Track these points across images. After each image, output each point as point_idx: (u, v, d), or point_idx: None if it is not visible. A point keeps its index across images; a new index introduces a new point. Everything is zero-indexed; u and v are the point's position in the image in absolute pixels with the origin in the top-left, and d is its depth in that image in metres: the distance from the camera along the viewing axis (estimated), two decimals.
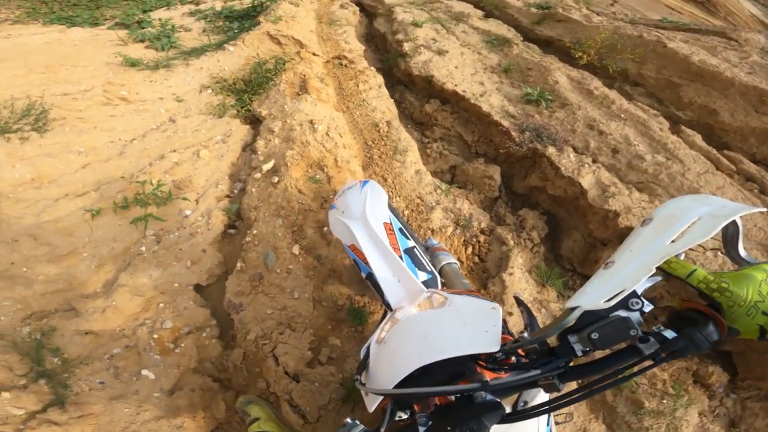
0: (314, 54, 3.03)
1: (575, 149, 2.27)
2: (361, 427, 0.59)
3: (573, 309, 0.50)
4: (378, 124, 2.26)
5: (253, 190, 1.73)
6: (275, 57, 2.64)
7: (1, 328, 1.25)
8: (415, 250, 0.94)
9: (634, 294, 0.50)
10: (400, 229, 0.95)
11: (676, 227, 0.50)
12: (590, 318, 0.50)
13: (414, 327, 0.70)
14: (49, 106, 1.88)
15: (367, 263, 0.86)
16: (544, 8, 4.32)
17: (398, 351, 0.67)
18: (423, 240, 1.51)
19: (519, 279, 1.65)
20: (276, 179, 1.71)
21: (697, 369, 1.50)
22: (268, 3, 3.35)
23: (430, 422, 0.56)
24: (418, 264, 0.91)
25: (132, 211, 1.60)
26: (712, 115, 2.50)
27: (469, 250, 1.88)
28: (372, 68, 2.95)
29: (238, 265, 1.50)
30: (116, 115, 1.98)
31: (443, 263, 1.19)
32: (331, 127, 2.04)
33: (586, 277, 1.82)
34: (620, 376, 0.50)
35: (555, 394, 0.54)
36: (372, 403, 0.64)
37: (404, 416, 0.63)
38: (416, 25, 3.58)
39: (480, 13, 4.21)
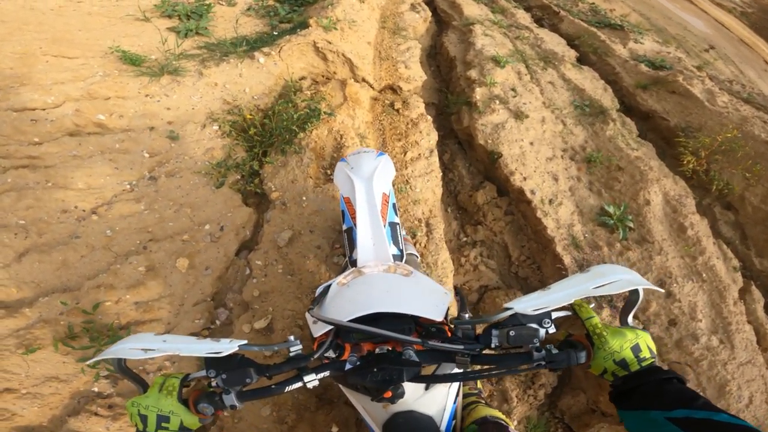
0: (364, 80, 2.42)
1: None
2: (300, 346, 0.67)
3: (507, 309, 0.65)
4: (416, 231, 1.74)
5: None
6: (311, 90, 2.05)
7: None
8: (397, 226, 1.03)
9: (549, 316, 0.65)
10: (394, 205, 1.04)
11: (601, 280, 0.66)
12: (513, 321, 0.65)
13: (379, 282, 0.79)
14: None
15: (354, 219, 0.94)
16: (656, 67, 3.47)
17: (361, 294, 0.75)
18: None
19: None
20: (268, 354, 1.28)
21: None
22: None
23: (358, 362, 0.67)
24: (394, 239, 0.99)
25: (79, 345, 1.23)
26: None
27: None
28: (427, 118, 2.35)
29: None
30: (81, 156, 1.48)
31: (407, 252, 1.22)
32: None
33: (570, 429, 1.75)
34: (510, 370, 0.66)
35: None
36: (317, 331, 0.71)
37: (333, 356, 0.70)
38: (497, 62, 2.86)
39: (573, 54, 3.41)
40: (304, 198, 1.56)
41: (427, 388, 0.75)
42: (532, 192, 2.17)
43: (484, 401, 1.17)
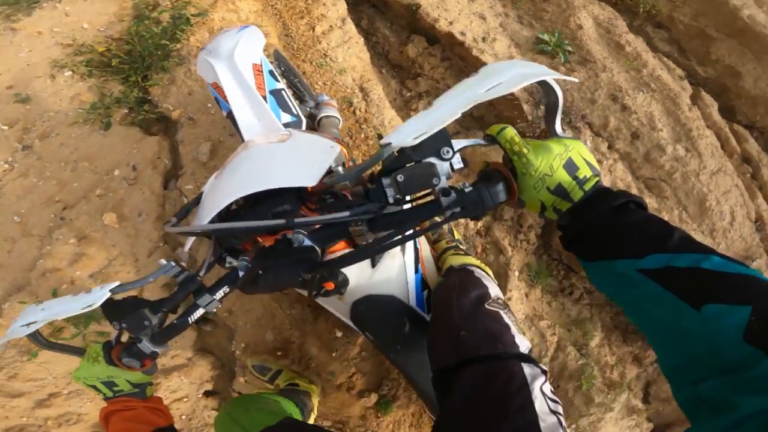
0: None
1: (592, 128, 1.85)
2: (178, 268, 0.57)
3: (384, 146, 0.47)
4: (351, 98, 1.58)
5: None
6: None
7: None
8: (282, 92, 0.91)
9: (448, 143, 0.50)
10: (271, 72, 0.92)
11: (493, 80, 0.48)
12: (402, 160, 0.50)
13: (248, 159, 0.67)
14: None
15: (227, 101, 0.84)
16: None
17: (224, 182, 0.63)
18: (316, 95, 1.35)
19: (516, 300, 1.53)
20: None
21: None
22: None
23: (249, 266, 0.56)
24: (282, 106, 0.88)
25: (70, 335, 1.15)
26: (734, 77, 2.15)
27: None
28: None
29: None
30: None
31: (323, 115, 1.15)
32: None
33: (571, 270, 1.74)
34: (422, 230, 0.53)
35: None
36: (187, 243, 0.63)
37: (235, 263, 0.61)
38: None
39: None
40: (209, 104, 1.34)
41: (373, 266, 0.65)
42: (462, 33, 2.02)
43: (463, 251, 1.05)
